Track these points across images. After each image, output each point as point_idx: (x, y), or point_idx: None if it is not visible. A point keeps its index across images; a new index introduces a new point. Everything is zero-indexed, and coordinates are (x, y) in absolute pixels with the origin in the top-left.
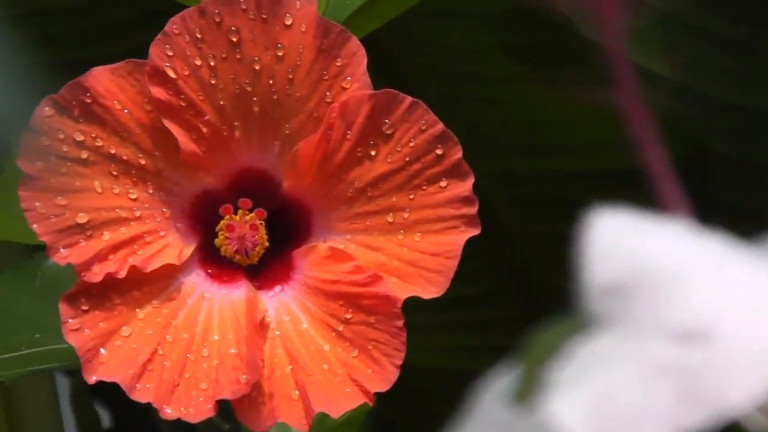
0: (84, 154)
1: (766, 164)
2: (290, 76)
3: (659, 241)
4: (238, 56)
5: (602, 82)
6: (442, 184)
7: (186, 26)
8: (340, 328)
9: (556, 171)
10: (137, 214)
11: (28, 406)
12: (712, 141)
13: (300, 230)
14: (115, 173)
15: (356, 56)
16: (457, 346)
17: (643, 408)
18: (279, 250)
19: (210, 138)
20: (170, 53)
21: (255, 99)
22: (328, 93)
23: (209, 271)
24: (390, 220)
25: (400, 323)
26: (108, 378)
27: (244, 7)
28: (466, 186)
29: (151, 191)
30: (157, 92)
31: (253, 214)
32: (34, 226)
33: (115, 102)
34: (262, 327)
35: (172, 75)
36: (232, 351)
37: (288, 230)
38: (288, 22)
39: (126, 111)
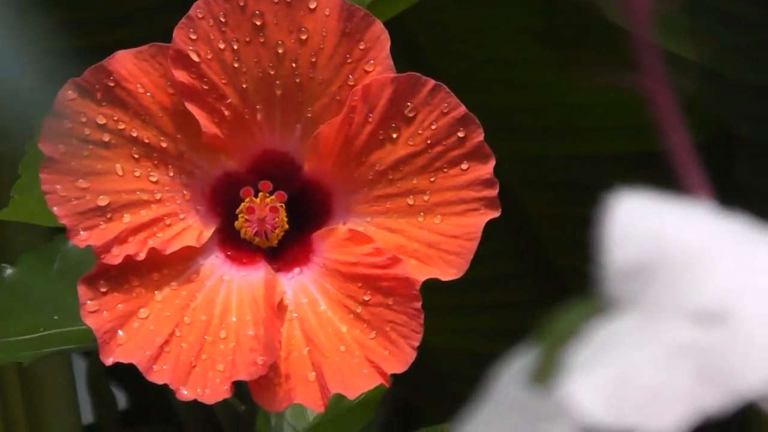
0: (106, 137)
1: None
2: (313, 60)
3: (679, 223)
4: (262, 40)
5: (628, 66)
6: (464, 166)
7: (210, 10)
8: (358, 310)
9: (578, 154)
10: (158, 196)
11: (45, 387)
12: (736, 124)
13: (320, 213)
14: (136, 156)
15: (380, 40)
16: (475, 328)
17: (662, 389)
18: (299, 232)
19: (232, 121)
20: (194, 37)
21: (278, 82)
22: (350, 76)
23: (229, 253)
24: (410, 202)
25: (418, 305)
26: (125, 360)
27: None
28: (487, 168)
29: (172, 174)
30: (180, 75)
31: (273, 197)
32: (55, 208)
33: (138, 85)
34: (280, 309)
35: (196, 58)
36: (250, 333)
37: (308, 213)
38: (312, 6)
39: (149, 94)
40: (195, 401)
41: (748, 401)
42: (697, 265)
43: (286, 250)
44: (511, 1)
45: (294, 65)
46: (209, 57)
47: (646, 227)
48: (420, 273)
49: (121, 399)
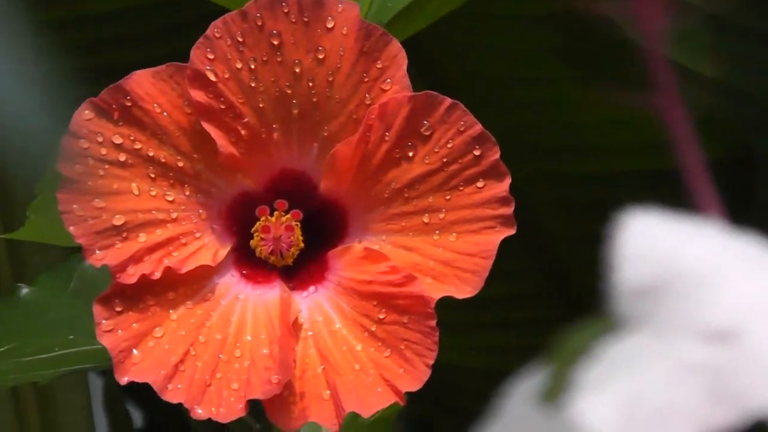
0: (122, 157)
1: None
2: (330, 79)
3: (690, 242)
4: (279, 59)
5: (643, 85)
6: (479, 184)
7: (228, 30)
8: (373, 328)
9: (594, 172)
10: (173, 215)
11: (61, 406)
12: (756, 140)
13: (335, 231)
14: (152, 175)
15: (397, 59)
16: (491, 346)
17: (672, 408)
18: (314, 250)
19: (249, 140)
20: (211, 56)
21: (294, 101)
22: (367, 95)
23: (244, 272)
24: (426, 220)
25: (433, 323)
26: (140, 379)
27: (286, 10)
28: (503, 186)
29: (188, 193)
30: (197, 95)
31: (288, 216)
32: (71, 228)
33: (155, 105)
34: (295, 327)
35: (213, 78)
36: (265, 351)
37: (323, 231)
38: (330, 25)
39: (165, 114)
40: (210, 420)
41: (758, 420)
42: (708, 284)
43: (301, 269)
44: (529, 19)
45: (311, 84)
46: (226, 76)
47: (657, 246)
48: (435, 291)
49: (137, 418)
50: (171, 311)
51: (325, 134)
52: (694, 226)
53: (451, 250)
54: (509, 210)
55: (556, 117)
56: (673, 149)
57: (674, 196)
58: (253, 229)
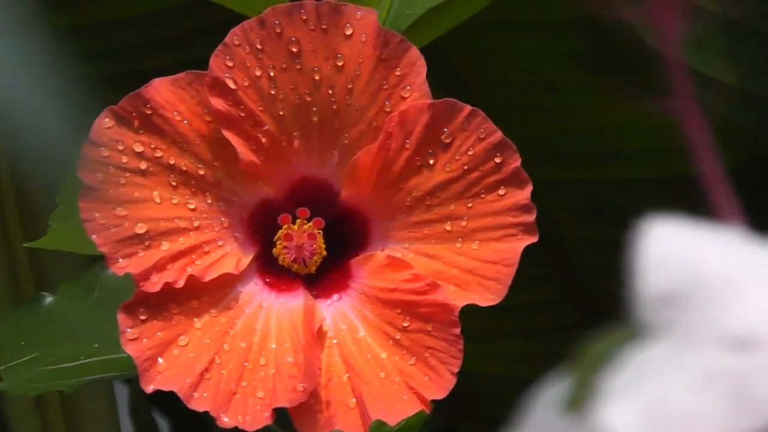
0: (143, 165)
1: None
2: (350, 86)
3: (712, 251)
4: (298, 66)
5: (662, 91)
6: (501, 192)
7: (246, 37)
8: (398, 336)
9: (616, 179)
10: (196, 224)
11: (87, 415)
12: None
13: (358, 239)
14: (174, 184)
15: (416, 66)
16: (514, 353)
17: (696, 415)
18: (337, 258)
19: (269, 148)
20: (230, 64)
21: (314, 109)
22: (387, 102)
23: (267, 280)
24: (448, 228)
25: (458, 331)
26: (165, 387)
27: (304, 17)
28: (524, 194)
29: (209, 201)
30: (217, 103)
31: (311, 224)
32: (94, 236)
33: (175, 113)
34: (319, 335)
35: (232, 86)
36: (290, 359)
37: (346, 239)
38: (348, 32)
39: (185, 122)
40: (236, 428)
41: None
42: (731, 291)
43: (324, 277)
44: (547, 25)
45: (330, 92)
46: (246, 84)
47: (678, 254)
48: (458, 299)
49: (164, 426)
50: (195, 319)
51: (346, 142)
52: (715, 234)
53: (474, 257)
54: (531, 217)
55: (575, 123)
56: (692, 155)
57: (693, 202)
58: (276, 237)
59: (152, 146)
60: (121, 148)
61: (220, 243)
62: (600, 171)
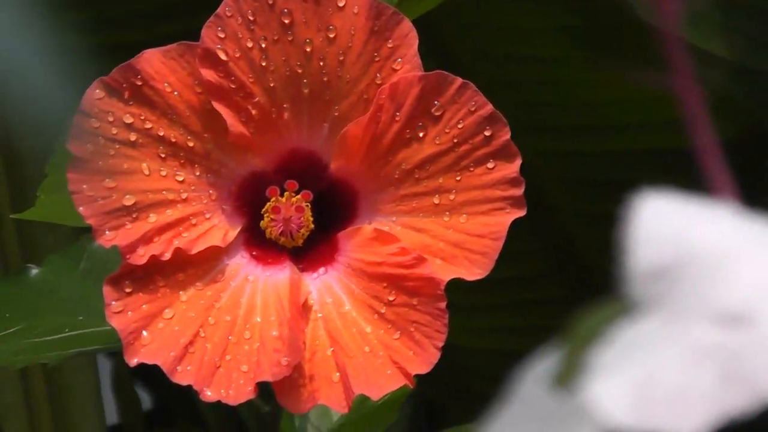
0: (133, 137)
1: None
2: (341, 58)
3: (704, 225)
4: (290, 38)
5: (659, 64)
6: (490, 165)
7: (239, 8)
8: (383, 310)
9: (607, 151)
10: (184, 196)
11: (70, 388)
12: None
13: (345, 212)
14: (163, 155)
15: (408, 38)
16: (501, 327)
17: (686, 391)
18: (324, 232)
19: (259, 120)
20: (222, 35)
21: (305, 81)
22: (378, 75)
23: (254, 253)
24: (436, 201)
25: (443, 305)
26: (149, 360)
27: None
28: (513, 167)
29: (198, 173)
30: (208, 74)
31: (299, 196)
32: (81, 208)
33: (166, 84)
34: (304, 309)
35: (224, 57)
36: (274, 333)
37: (333, 212)
38: (341, 4)
39: (176, 93)
40: (219, 402)
41: None
42: (722, 267)
43: (311, 250)
44: None
45: (322, 64)
46: (237, 56)
47: (670, 229)
48: (445, 273)
49: (146, 400)
50: (181, 292)
51: (336, 114)
52: (708, 208)
53: (461, 231)
54: (519, 191)
55: (568, 96)
56: (687, 128)
57: (687, 175)
58: (264, 209)
59: (142, 117)
60: (111, 119)
61: (207, 215)
62: (591, 144)
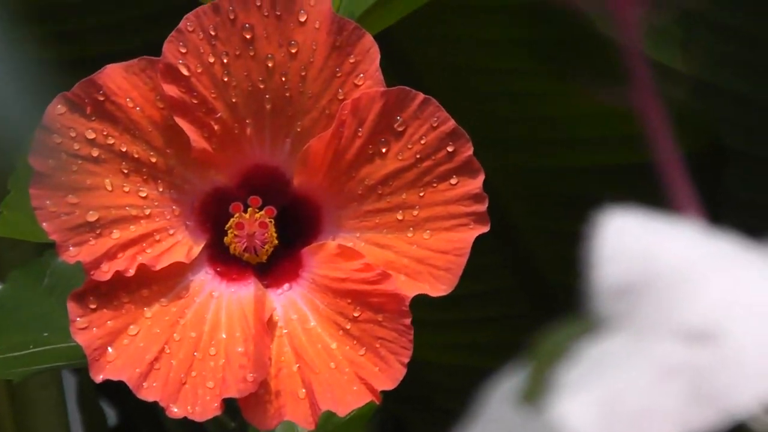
0: (95, 152)
1: None
2: (303, 74)
3: (668, 241)
4: (252, 53)
5: (620, 78)
6: (453, 181)
7: (200, 23)
8: (348, 326)
9: (569, 166)
10: (147, 212)
11: (35, 404)
12: (728, 136)
13: (309, 228)
14: (125, 171)
15: (369, 53)
16: (466, 343)
17: (652, 409)
18: (288, 247)
19: (221, 135)
20: (184, 50)
21: (267, 96)
22: (340, 90)
23: (218, 269)
24: (400, 217)
25: (408, 321)
26: (115, 377)
27: (258, 3)
28: (476, 183)
29: (161, 189)
30: (170, 89)
31: (262, 212)
32: (44, 224)
33: (128, 99)
34: (269, 325)
35: (185, 72)
36: (240, 349)
37: (297, 228)
38: (302, 19)
39: (138, 109)
40: (185, 418)
41: (738, 421)
42: (687, 283)
43: (275, 266)
44: (502, 12)
45: (284, 79)
46: (199, 71)
47: (635, 246)
48: (409, 289)
49: (111, 415)
50: (145, 309)
51: (298, 129)
52: (671, 225)
53: (425, 247)
54: (483, 207)
55: (531, 110)
56: (649, 143)
57: (650, 190)
58: (227, 225)
59: (104, 133)
60: (73, 134)
61: (171, 231)
62: (554, 158)
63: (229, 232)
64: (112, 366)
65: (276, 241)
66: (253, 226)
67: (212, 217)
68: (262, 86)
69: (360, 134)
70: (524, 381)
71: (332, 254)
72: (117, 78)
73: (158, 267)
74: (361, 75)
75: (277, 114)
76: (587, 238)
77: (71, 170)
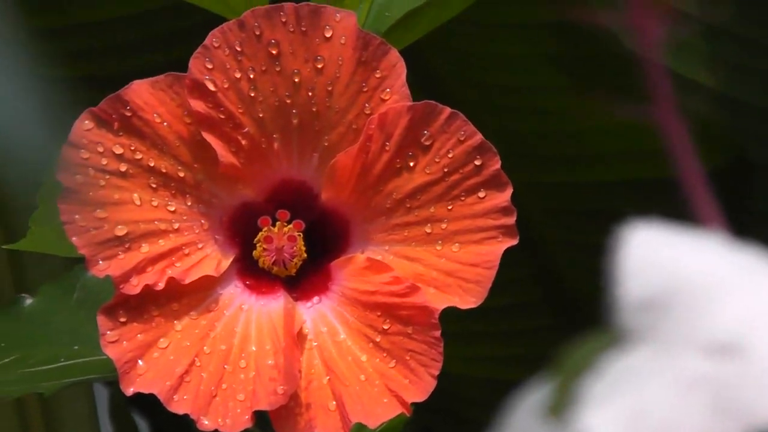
0: (123, 167)
1: None
2: (329, 88)
3: (693, 255)
4: (278, 69)
5: (641, 94)
6: (481, 194)
7: (226, 39)
8: (378, 339)
9: (595, 181)
10: (176, 226)
11: (66, 417)
12: (753, 150)
13: (338, 241)
14: (153, 186)
15: (396, 68)
16: (494, 356)
17: (677, 422)
18: (317, 261)
19: (249, 150)
20: (210, 66)
21: (294, 111)
22: (367, 105)
23: (247, 282)
24: (428, 230)
25: (438, 333)
26: (145, 389)
27: (284, 19)
28: (504, 196)
29: (189, 203)
30: (197, 105)
31: (291, 226)
32: (74, 239)
33: (155, 115)
34: (299, 338)
35: (212, 88)
36: (270, 362)
37: (326, 241)
38: (328, 35)
39: (165, 124)
40: (216, 431)
41: None
42: (711, 297)
43: (304, 279)
44: (528, 28)
45: (310, 94)
46: (225, 86)
47: (659, 259)
48: (439, 301)
49: (144, 427)
50: (175, 322)
51: (326, 144)
52: (696, 238)
53: (454, 260)
54: (511, 220)
55: (555, 125)
56: (671, 158)
57: (672, 204)
58: (256, 239)
59: (132, 148)
60: (100, 150)
61: (200, 245)
62: (579, 174)
63: (257, 245)
64: (143, 379)
65: (305, 255)
66: (281, 239)
67: (241, 231)
68: (288, 101)
69: (387, 148)
70: (550, 394)
71: (361, 267)
72: (144, 93)
73: (187, 281)
74: (388, 90)
75: (304, 129)
76: (612, 251)
77: (99, 185)
